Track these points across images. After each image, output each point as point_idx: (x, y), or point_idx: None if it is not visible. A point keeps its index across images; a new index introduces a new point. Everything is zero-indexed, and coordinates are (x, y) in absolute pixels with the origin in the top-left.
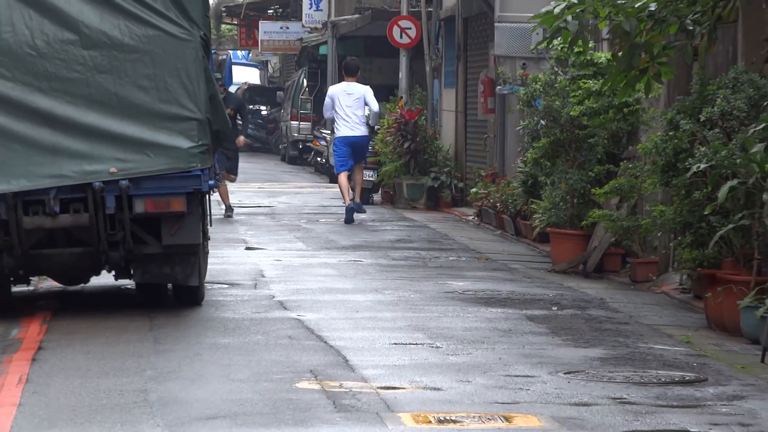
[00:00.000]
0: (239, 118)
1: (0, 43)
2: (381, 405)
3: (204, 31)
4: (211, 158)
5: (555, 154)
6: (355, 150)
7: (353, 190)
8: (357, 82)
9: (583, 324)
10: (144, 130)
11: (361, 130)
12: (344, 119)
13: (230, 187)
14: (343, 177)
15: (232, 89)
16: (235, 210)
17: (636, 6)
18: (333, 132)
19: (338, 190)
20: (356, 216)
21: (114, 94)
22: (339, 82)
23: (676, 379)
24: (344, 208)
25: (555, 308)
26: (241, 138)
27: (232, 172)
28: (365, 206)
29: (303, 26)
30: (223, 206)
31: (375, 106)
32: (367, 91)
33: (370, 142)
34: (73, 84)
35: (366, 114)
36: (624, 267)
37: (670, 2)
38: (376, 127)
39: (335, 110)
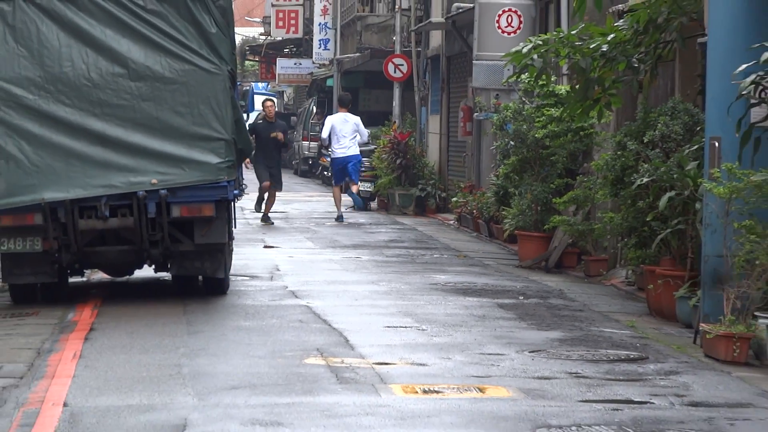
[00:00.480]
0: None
1: (61, 75)
2: (376, 378)
3: (231, 66)
4: (235, 172)
5: (522, 169)
6: (349, 167)
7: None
8: (350, 112)
9: (545, 311)
10: (180, 148)
11: (353, 151)
12: (340, 142)
13: (252, 195)
14: (337, 189)
15: (253, 115)
16: (255, 215)
17: (590, 47)
18: (331, 152)
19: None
20: (353, 218)
21: (156, 118)
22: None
23: (622, 357)
24: (335, 215)
25: (521, 298)
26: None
27: (276, 187)
28: (365, 213)
29: (313, 62)
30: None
31: (364, 133)
32: (358, 120)
33: (362, 160)
34: (122, 110)
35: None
36: (579, 263)
37: (618, 44)
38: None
39: (334, 134)
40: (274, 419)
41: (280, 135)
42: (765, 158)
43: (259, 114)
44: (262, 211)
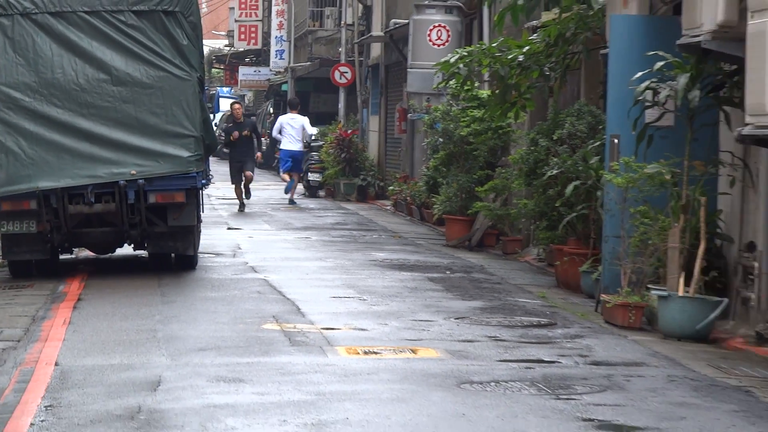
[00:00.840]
0: (255, 137)
1: (54, 81)
2: (323, 341)
3: (200, 73)
4: (203, 164)
5: (449, 162)
6: (294, 159)
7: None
8: (298, 113)
9: (468, 284)
10: (156, 143)
11: (298, 147)
12: (288, 139)
13: (218, 184)
14: (285, 175)
15: (219, 115)
16: (220, 201)
17: (508, 57)
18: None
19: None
20: (304, 204)
21: (135, 118)
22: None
23: (534, 323)
24: (288, 197)
25: (448, 272)
26: (259, 154)
27: (250, 169)
28: (314, 199)
29: (270, 70)
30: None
31: (310, 130)
32: (305, 120)
33: (313, 154)
34: (106, 110)
35: (305, 134)
36: (498, 243)
37: (533, 55)
38: (311, 143)
39: (283, 132)
40: (236, 376)
41: (247, 132)
42: (656, 153)
43: (223, 115)
44: (243, 193)
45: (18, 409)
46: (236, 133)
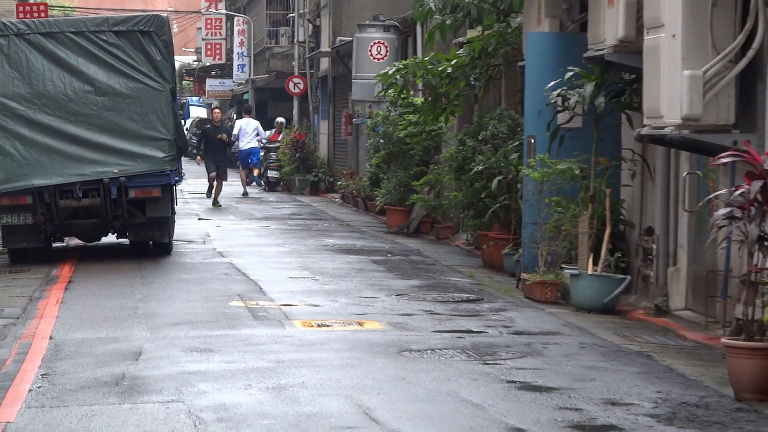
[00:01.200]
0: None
1: (45, 92)
2: (282, 316)
3: (172, 85)
4: (176, 164)
5: (389, 160)
6: (250, 156)
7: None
8: (252, 118)
9: (407, 265)
10: (135, 146)
11: (253, 145)
12: (245, 139)
13: (189, 181)
14: (243, 172)
15: (189, 121)
16: (192, 196)
17: (439, 69)
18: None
19: (251, 182)
20: (263, 197)
21: (116, 124)
22: (255, 118)
23: (464, 299)
24: (251, 194)
25: (389, 255)
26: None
27: (222, 177)
28: (273, 193)
29: (233, 81)
30: (184, 192)
31: (263, 133)
32: (258, 124)
33: (271, 153)
34: (90, 117)
35: (258, 136)
36: (432, 230)
37: (460, 67)
38: (264, 143)
39: (241, 133)
40: (207, 347)
41: (225, 136)
42: (567, 151)
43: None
44: (212, 197)
45: (18, 377)
46: (224, 136)
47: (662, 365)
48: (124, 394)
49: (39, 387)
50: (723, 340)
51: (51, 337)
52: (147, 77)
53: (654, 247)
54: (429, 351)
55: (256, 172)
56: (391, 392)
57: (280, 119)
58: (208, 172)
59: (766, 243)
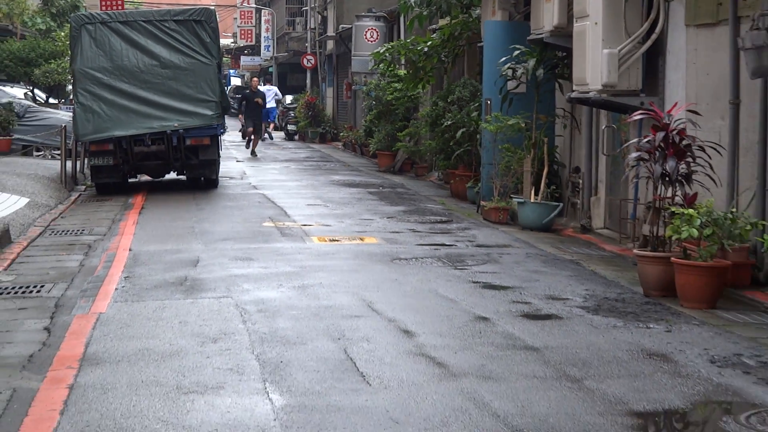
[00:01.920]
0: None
1: (122, 65)
2: (302, 233)
3: (218, 60)
4: (222, 119)
5: (379, 117)
6: (270, 114)
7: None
8: (273, 85)
9: (394, 195)
10: (190, 106)
11: (271, 105)
12: (268, 101)
13: (230, 133)
14: (264, 125)
15: (229, 87)
16: (232, 144)
17: (418, 49)
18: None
19: (279, 138)
20: (284, 145)
21: (176, 89)
22: (276, 85)
23: (438, 220)
24: (275, 142)
25: (381, 188)
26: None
27: (258, 133)
28: (291, 142)
29: (261, 58)
30: (226, 142)
31: (280, 96)
32: (277, 89)
33: (290, 112)
34: (157, 85)
35: (277, 98)
36: (412, 169)
37: (433, 47)
38: (284, 105)
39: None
40: (248, 256)
41: (260, 100)
42: (514, 110)
43: (231, 87)
44: (250, 148)
45: (106, 279)
46: (260, 100)
47: (588, 270)
48: (187, 292)
49: (123, 287)
50: (634, 251)
51: (130, 249)
52: (199, 54)
53: (580, 181)
54: (414, 259)
55: (272, 126)
56: (387, 290)
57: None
58: (246, 127)
59: (667, 178)
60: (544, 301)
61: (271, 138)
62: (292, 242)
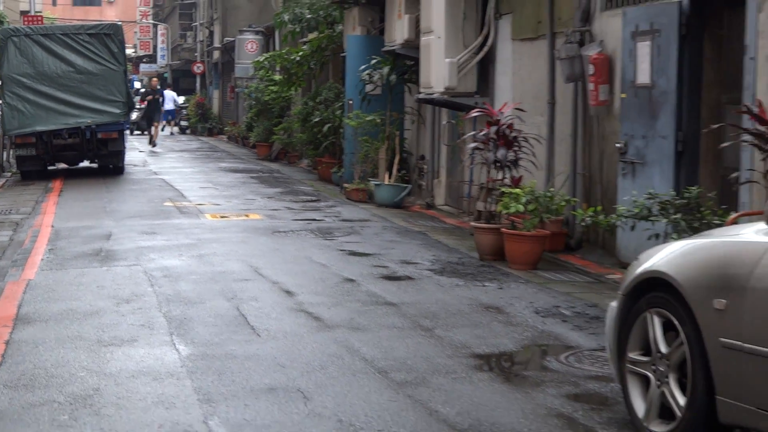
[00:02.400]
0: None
1: (43, 72)
2: (197, 211)
3: (124, 67)
4: (127, 116)
5: (258, 114)
6: (169, 114)
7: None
8: (171, 90)
9: (272, 179)
10: (101, 105)
11: (170, 107)
12: (167, 103)
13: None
14: (164, 123)
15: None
16: (135, 137)
17: (291, 58)
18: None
19: (163, 133)
20: (179, 138)
21: (89, 92)
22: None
23: (309, 200)
24: (171, 135)
25: (261, 173)
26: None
27: (157, 125)
28: (185, 135)
29: (157, 65)
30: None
31: (177, 99)
32: (174, 94)
33: (183, 111)
34: (73, 88)
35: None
36: (285, 157)
37: (304, 57)
38: (179, 105)
39: (164, 100)
40: (152, 230)
41: (159, 97)
42: (372, 108)
43: (134, 90)
44: (150, 140)
45: (33, 251)
46: (159, 97)
47: (433, 239)
48: (103, 261)
49: (48, 257)
50: (471, 223)
51: (52, 226)
52: (108, 62)
53: (425, 167)
54: (291, 232)
55: (172, 123)
56: (270, 258)
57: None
58: (148, 124)
59: (498, 164)
60: (399, 265)
61: (173, 134)
62: (189, 219)
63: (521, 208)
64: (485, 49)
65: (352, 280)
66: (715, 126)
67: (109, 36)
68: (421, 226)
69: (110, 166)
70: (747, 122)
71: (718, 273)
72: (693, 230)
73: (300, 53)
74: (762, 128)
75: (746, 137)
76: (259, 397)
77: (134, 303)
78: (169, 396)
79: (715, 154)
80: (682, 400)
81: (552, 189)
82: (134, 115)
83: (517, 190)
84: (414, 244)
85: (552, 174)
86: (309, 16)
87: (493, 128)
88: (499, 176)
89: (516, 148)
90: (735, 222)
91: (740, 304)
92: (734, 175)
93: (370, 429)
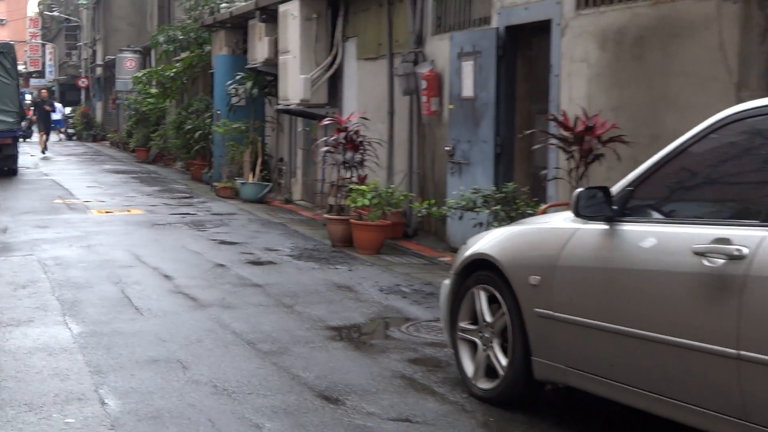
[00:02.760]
0: (52, 111)
1: None
2: (85, 207)
3: (17, 81)
4: (20, 125)
5: (137, 123)
6: (56, 124)
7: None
8: (58, 103)
9: (151, 179)
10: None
11: (57, 117)
12: (56, 115)
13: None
14: (52, 132)
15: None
16: (26, 143)
17: (166, 74)
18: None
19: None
20: (66, 144)
21: None
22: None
23: (184, 197)
24: (60, 141)
25: (140, 174)
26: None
27: (48, 133)
28: (72, 142)
29: (46, 79)
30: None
31: (63, 110)
32: (61, 106)
33: (70, 119)
34: None
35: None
36: (161, 160)
37: (178, 73)
38: (66, 115)
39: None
40: (45, 225)
41: (48, 107)
42: (237, 117)
43: (26, 101)
44: (42, 146)
45: None
46: (48, 107)
47: (292, 229)
48: (1, 252)
49: None
50: (324, 215)
51: None
52: (2, 77)
53: (284, 168)
54: (168, 224)
55: (62, 131)
56: (151, 247)
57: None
58: (39, 131)
59: (346, 165)
60: (263, 252)
61: (61, 140)
62: (78, 214)
63: (366, 201)
64: (335, 66)
65: (222, 266)
66: (527, 132)
67: (2, 53)
68: (281, 219)
69: (5, 169)
70: (553, 128)
71: (532, 254)
72: (510, 219)
73: (174, 70)
74: (566, 133)
75: (553, 141)
76: (144, 367)
77: (30, 288)
78: (63, 369)
79: (527, 155)
80: (504, 361)
81: (392, 185)
82: (24, 124)
83: (363, 187)
84: (275, 233)
85: (392, 173)
86: (181, 37)
87: (342, 134)
88: (348, 175)
89: (361, 151)
90: (545, 212)
91: (551, 280)
92: (543, 172)
93: (240, 392)
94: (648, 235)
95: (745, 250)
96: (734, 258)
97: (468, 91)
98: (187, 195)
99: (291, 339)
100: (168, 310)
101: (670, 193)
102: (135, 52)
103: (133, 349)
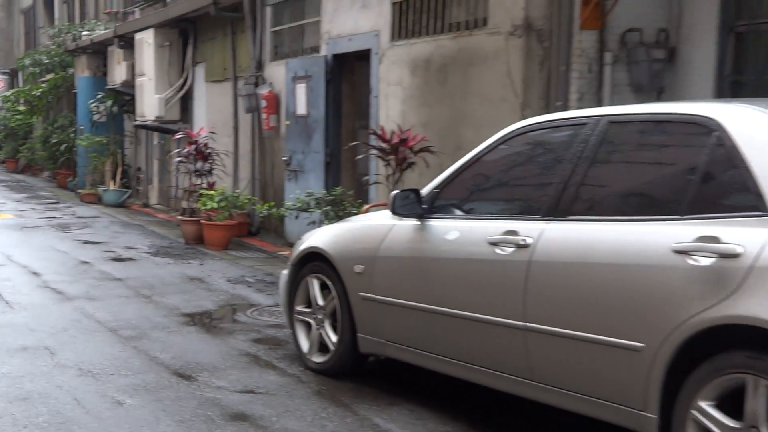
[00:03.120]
0: None
1: None
2: None
3: None
4: None
5: (7, 137)
6: None
7: None
8: None
9: (20, 187)
10: None
11: None
12: None
13: None
14: None
15: None
16: None
17: (33, 93)
18: None
19: None
20: None
21: None
22: None
23: (51, 202)
24: None
25: (10, 183)
26: None
27: None
28: None
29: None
30: None
31: None
32: None
33: None
34: None
35: None
36: (29, 170)
37: (44, 92)
38: None
39: None
40: None
41: None
42: (99, 132)
43: None
44: None
45: None
46: None
47: (149, 230)
48: None
49: None
50: (178, 217)
51: None
52: None
53: (142, 176)
54: (37, 227)
55: None
56: (21, 247)
57: None
58: None
59: (197, 173)
60: (124, 250)
61: None
62: None
63: (215, 204)
64: (186, 87)
65: (87, 262)
66: (352, 144)
67: None
68: (140, 221)
69: None
70: (373, 141)
71: (357, 247)
72: (338, 218)
73: (40, 89)
74: (384, 145)
75: (373, 151)
76: (14, 355)
77: None
78: None
79: (352, 163)
80: (334, 338)
81: (238, 191)
82: None
83: (212, 192)
84: (135, 233)
85: (237, 179)
86: (46, 61)
87: (193, 146)
88: (198, 182)
89: (210, 161)
90: (367, 211)
91: (372, 268)
92: (365, 178)
93: (104, 374)
94: (451, 228)
95: (530, 240)
96: (521, 246)
97: (302, 109)
98: (54, 201)
99: (149, 325)
100: (37, 303)
101: (469, 193)
102: (3, 73)
103: (4, 339)
